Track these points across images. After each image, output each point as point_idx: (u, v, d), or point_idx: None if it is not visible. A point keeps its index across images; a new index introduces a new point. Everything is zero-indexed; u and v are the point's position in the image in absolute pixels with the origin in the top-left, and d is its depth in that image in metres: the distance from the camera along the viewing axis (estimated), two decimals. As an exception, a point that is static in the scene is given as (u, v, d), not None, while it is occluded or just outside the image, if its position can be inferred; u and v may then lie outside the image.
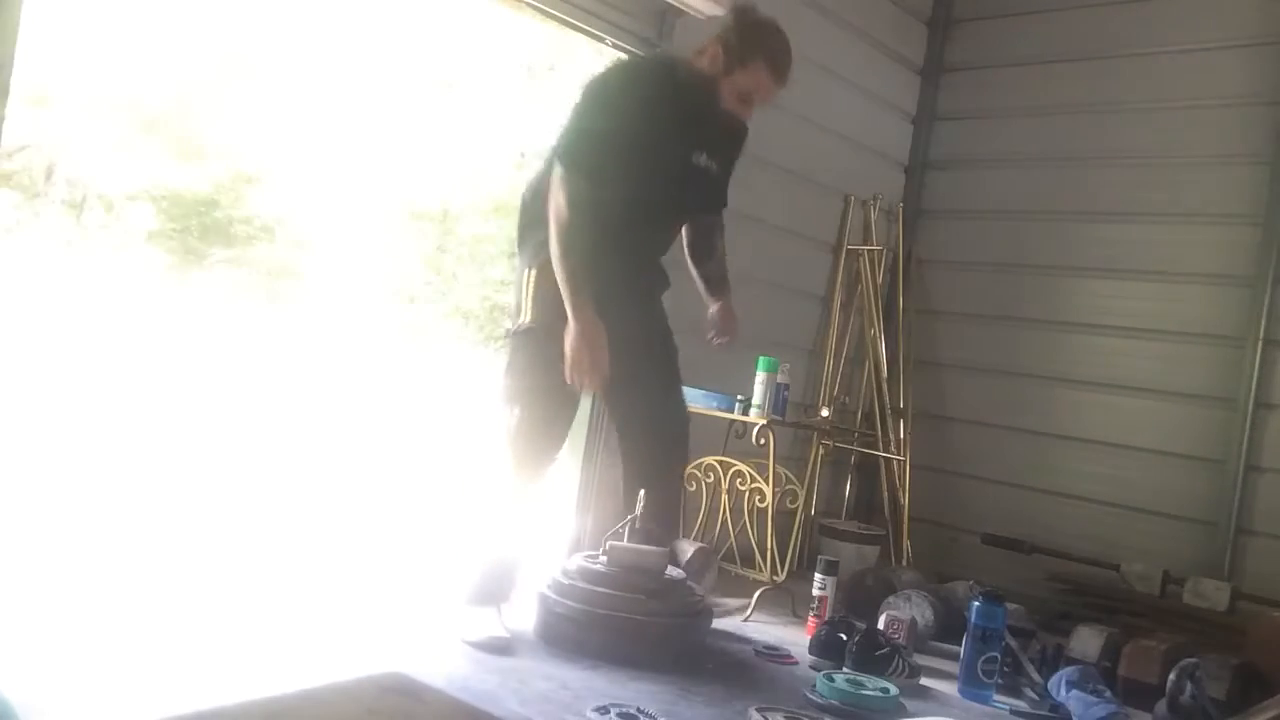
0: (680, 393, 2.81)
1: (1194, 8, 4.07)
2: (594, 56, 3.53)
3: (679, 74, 2.54)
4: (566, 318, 2.42)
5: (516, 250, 2.71)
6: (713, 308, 2.82)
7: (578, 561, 2.54)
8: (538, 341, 2.50)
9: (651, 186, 2.57)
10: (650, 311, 2.75)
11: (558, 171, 2.42)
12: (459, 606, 2.50)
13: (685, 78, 2.53)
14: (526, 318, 2.55)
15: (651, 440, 2.71)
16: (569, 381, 2.43)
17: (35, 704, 1.58)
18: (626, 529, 2.57)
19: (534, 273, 2.54)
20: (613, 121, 2.45)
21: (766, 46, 2.50)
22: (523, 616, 2.56)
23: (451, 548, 2.65)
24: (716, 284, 2.82)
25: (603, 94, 2.49)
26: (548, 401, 2.51)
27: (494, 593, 2.54)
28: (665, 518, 2.72)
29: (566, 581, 2.48)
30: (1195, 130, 4.02)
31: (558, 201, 2.40)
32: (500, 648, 2.35)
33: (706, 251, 2.83)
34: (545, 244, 2.48)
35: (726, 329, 2.81)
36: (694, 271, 2.84)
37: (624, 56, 3.54)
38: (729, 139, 2.72)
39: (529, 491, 2.57)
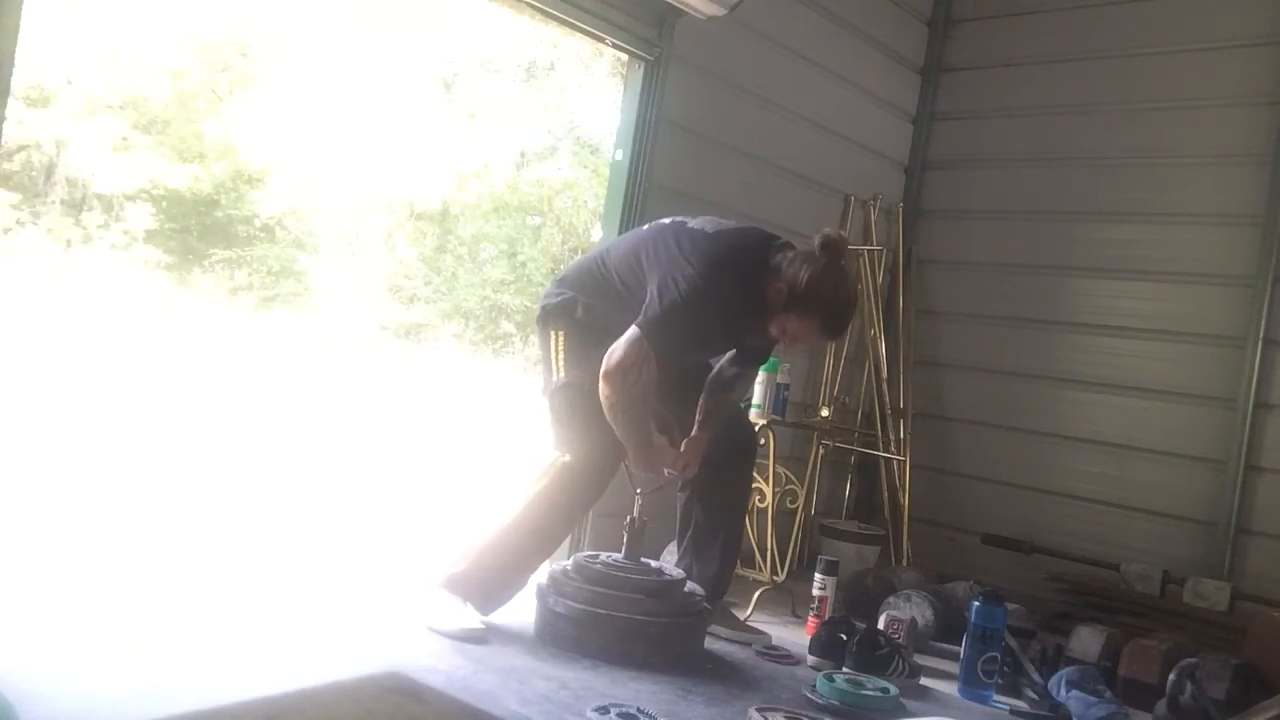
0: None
1: (1194, 8, 4.07)
2: (594, 57, 3.54)
3: (764, 269, 2.52)
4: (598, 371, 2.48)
5: (543, 311, 2.70)
6: (693, 437, 2.72)
7: (577, 561, 2.54)
8: (579, 392, 2.54)
9: (704, 356, 2.74)
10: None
11: (638, 338, 2.42)
12: (432, 587, 2.49)
13: (762, 281, 2.51)
14: (561, 375, 2.60)
15: (721, 448, 2.75)
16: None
17: (35, 704, 1.58)
18: (626, 531, 2.57)
19: (561, 336, 2.62)
20: (703, 314, 2.45)
21: (826, 308, 2.48)
22: (519, 614, 2.56)
23: (448, 545, 2.64)
24: (712, 415, 2.74)
25: (707, 287, 2.44)
26: (597, 447, 2.54)
27: (486, 601, 2.52)
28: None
29: (566, 581, 2.48)
30: (1195, 130, 4.02)
31: (625, 364, 2.41)
32: (475, 638, 2.35)
33: (727, 389, 2.78)
34: (585, 317, 2.59)
35: (691, 466, 2.70)
36: (706, 395, 2.76)
37: (624, 57, 3.55)
38: (757, 336, 2.72)
39: (563, 527, 2.61)
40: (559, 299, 2.64)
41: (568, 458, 2.56)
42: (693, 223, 2.59)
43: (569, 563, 2.56)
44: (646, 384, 2.44)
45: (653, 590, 2.47)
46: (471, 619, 2.42)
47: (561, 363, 2.61)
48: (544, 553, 2.60)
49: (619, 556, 2.56)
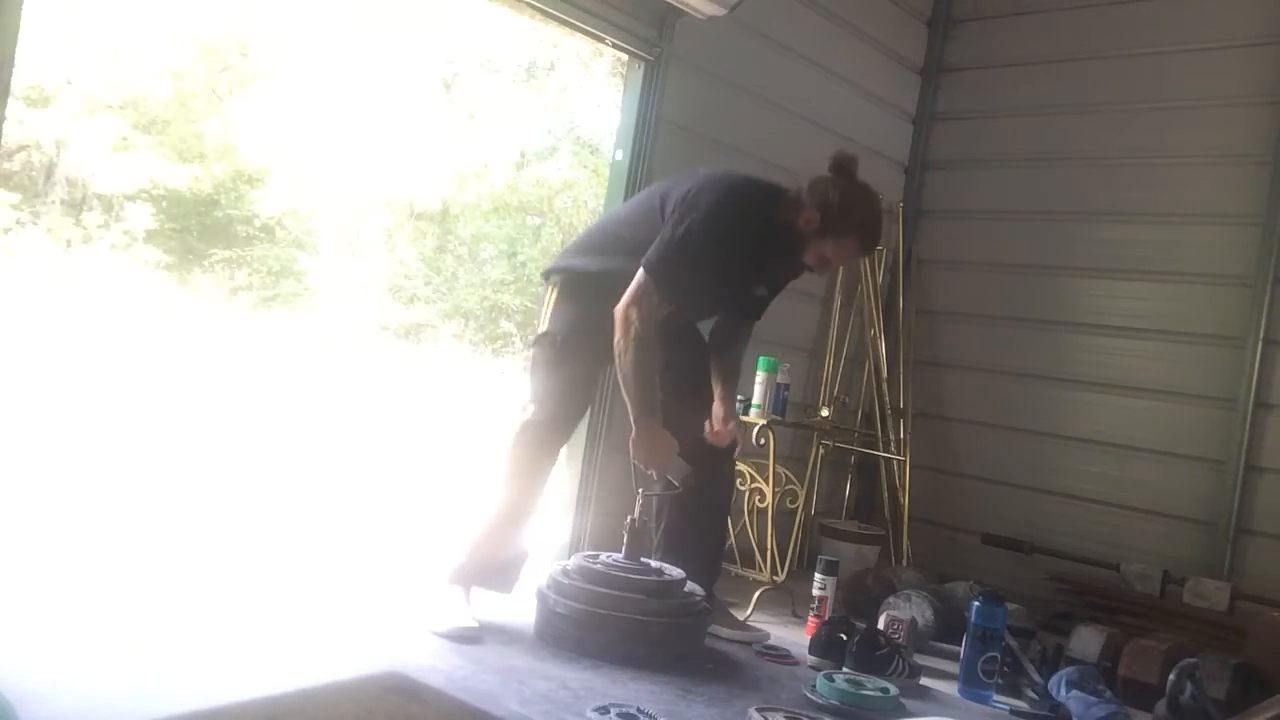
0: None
1: (1194, 8, 4.07)
2: (594, 57, 3.54)
3: (774, 217, 2.57)
4: (582, 330, 2.53)
5: (549, 269, 2.75)
6: (716, 404, 2.78)
7: (577, 561, 2.54)
8: (553, 346, 2.59)
9: (708, 306, 2.74)
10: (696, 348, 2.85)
11: (644, 280, 2.46)
12: (438, 585, 2.51)
13: (778, 224, 2.57)
14: (543, 326, 2.65)
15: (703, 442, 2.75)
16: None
17: (35, 704, 1.58)
18: (626, 531, 2.57)
19: (555, 290, 2.66)
20: (710, 254, 2.48)
21: (863, 224, 2.59)
22: (519, 614, 2.56)
23: (448, 544, 2.64)
24: (726, 378, 2.80)
25: (713, 225, 2.47)
26: (558, 401, 2.58)
27: (493, 580, 2.56)
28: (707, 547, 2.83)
29: (566, 581, 2.48)
30: (1195, 130, 4.02)
31: (635, 312, 2.45)
32: (469, 638, 2.36)
33: (727, 344, 2.84)
34: (581, 270, 2.62)
35: (722, 433, 2.77)
36: (712, 358, 2.83)
37: (624, 57, 3.55)
38: (789, 275, 2.81)
39: (533, 485, 2.59)
40: (564, 257, 2.70)
41: (528, 413, 2.56)
42: (702, 170, 2.62)
43: (569, 563, 2.56)
44: (649, 327, 2.44)
45: (653, 590, 2.47)
46: (465, 618, 2.42)
47: (548, 314, 2.64)
48: (525, 515, 2.60)
49: (619, 557, 2.56)
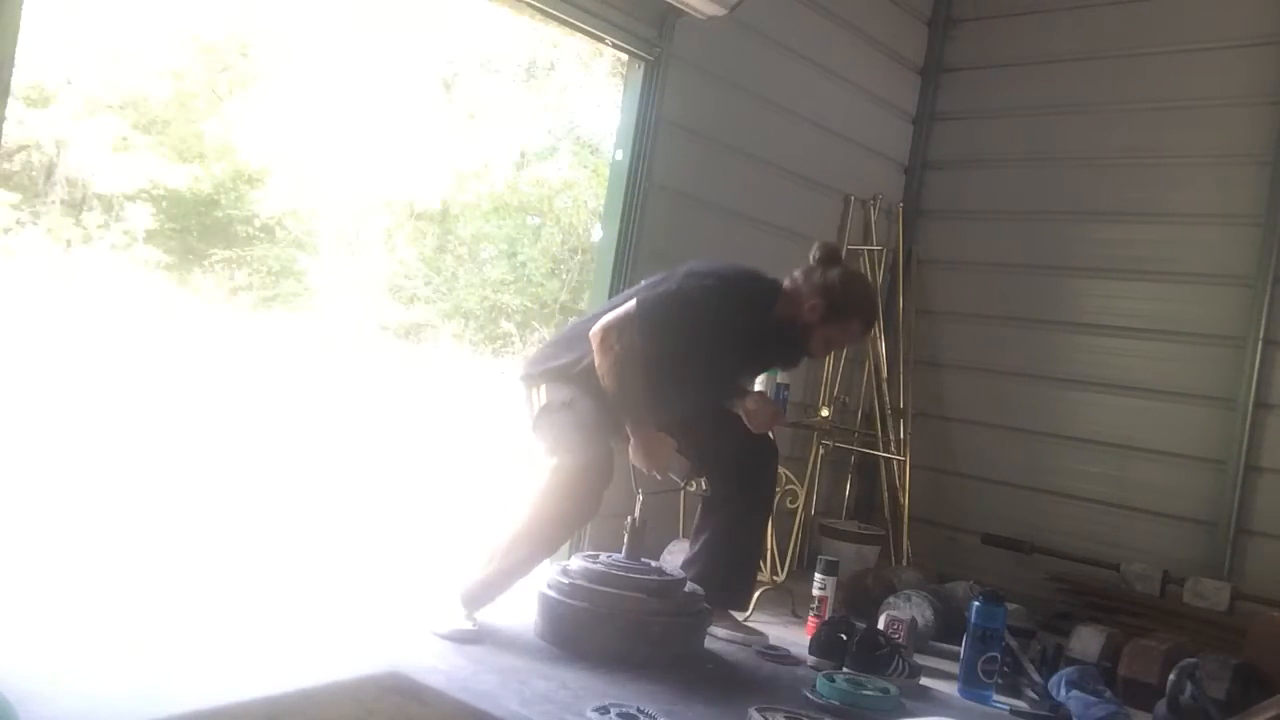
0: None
1: (1194, 8, 4.06)
2: (594, 57, 3.54)
3: (770, 308, 2.65)
4: (582, 399, 2.54)
5: (527, 375, 2.73)
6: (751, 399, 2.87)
7: (578, 562, 2.54)
8: (560, 407, 2.57)
9: (703, 379, 2.72)
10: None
11: (632, 310, 2.51)
12: (449, 598, 2.50)
13: (776, 316, 2.65)
14: (540, 404, 2.63)
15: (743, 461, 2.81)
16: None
17: (35, 704, 1.58)
18: (627, 531, 2.57)
19: (543, 388, 2.64)
20: (705, 320, 2.54)
21: (863, 308, 2.72)
22: (520, 615, 2.56)
23: (451, 546, 2.64)
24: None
25: (714, 293, 2.55)
26: (582, 447, 2.51)
27: (476, 599, 2.53)
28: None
29: (567, 581, 2.48)
30: (1195, 130, 4.02)
31: (615, 337, 2.49)
32: (469, 638, 2.36)
33: None
34: (564, 364, 2.62)
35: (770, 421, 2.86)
36: None
37: (624, 57, 3.55)
38: (783, 363, 2.94)
39: (558, 535, 2.56)
40: (540, 361, 2.69)
41: (558, 460, 2.52)
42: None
43: (569, 562, 2.56)
44: (629, 350, 2.47)
45: (654, 590, 2.47)
46: (463, 620, 2.41)
47: (539, 401, 2.63)
48: (536, 558, 2.55)
49: (619, 557, 2.56)
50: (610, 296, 3.21)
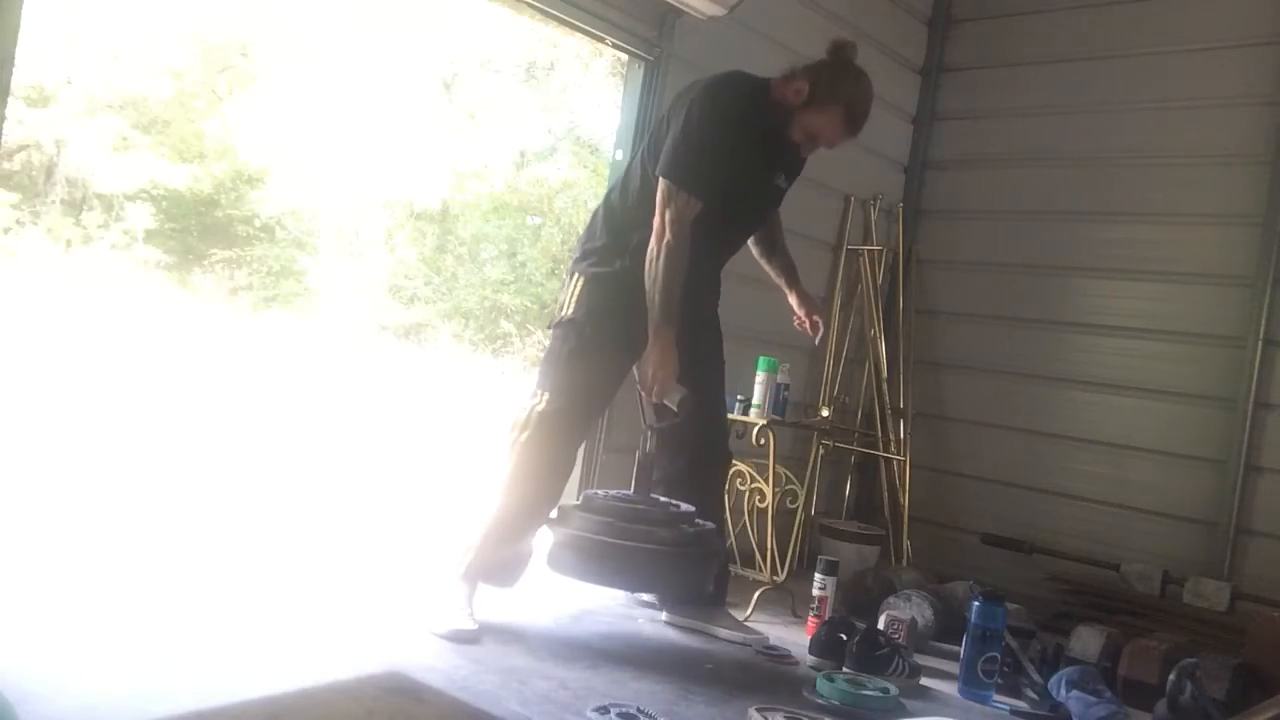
0: (723, 396, 2.92)
1: (1194, 8, 4.06)
2: (594, 57, 3.54)
3: (767, 97, 2.60)
4: (610, 322, 2.50)
5: (575, 259, 2.71)
6: (792, 297, 2.96)
7: (586, 495, 2.55)
8: (579, 334, 2.55)
9: (739, 203, 2.68)
10: (709, 317, 2.85)
11: (665, 186, 2.48)
12: (443, 582, 2.50)
13: (771, 102, 2.59)
14: (568, 311, 2.60)
15: (698, 439, 2.74)
16: (641, 390, 2.54)
17: (36, 704, 1.58)
18: (637, 465, 2.56)
19: (582, 281, 2.62)
20: (718, 139, 2.51)
21: (849, 96, 2.59)
22: (520, 614, 2.56)
23: (448, 545, 2.64)
24: (788, 272, 2.97)
25: (710, 110, 2.52)
26: (579, 393, 2.54)
27: (496, 576, 2.55)
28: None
29: (577, 511, 2.48)
30: (1195, 130, 4.02)
31: (664, 218, 2.46)
32: (468, 639, 2.35)
33: (771, 246, 2.97)
34: (603, 258, 2.58)
35: (815, 318, 2.94)
36: (764, 264, 2.99)
37: (624, 57, 3.55)
38: (798, 163, 2.83)
39: (543, 482, 2.54)
40: (591, 247, 2.65)
41: (543, 403, 2.52)
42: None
43: (578, 499, 2.56)
44: (682, 230, 2.44)
45: (663, 520, 2.47)
46: (464, 620, 2.41)
47: (573, 300, 2.60)
48: (535, 513, 2.55)
49: (627, 493, 2.56)
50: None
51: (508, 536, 2.55)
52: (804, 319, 2.96)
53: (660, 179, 2.49)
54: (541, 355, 2.65)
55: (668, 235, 2.45)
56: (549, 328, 2.66)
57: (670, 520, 2.49)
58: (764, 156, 2.66)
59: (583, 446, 2.97)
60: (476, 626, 2.41)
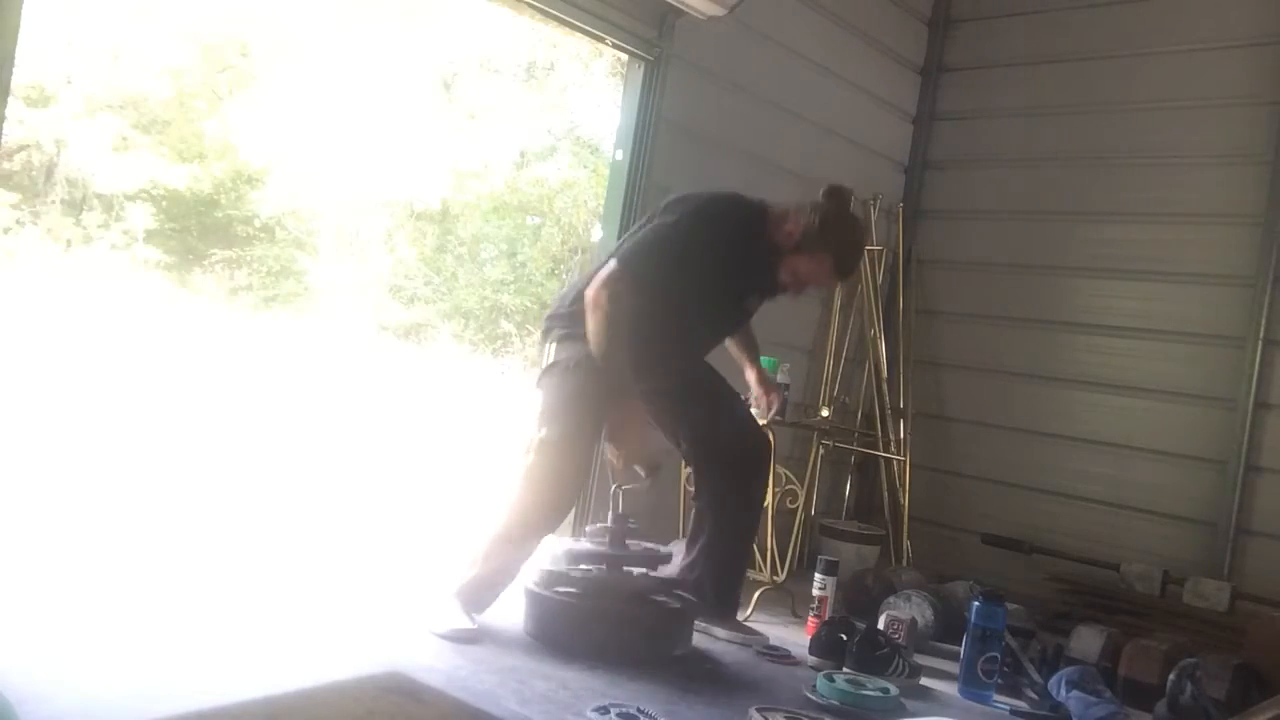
0: (745, 410, 2.92)
1: (1194, 8, 4.07)
2: (594, 57, 3.54)
3: (759, 226, 2.59)
4: (591, 364, 2.50)
5: (549, 320, 2.73)
6: (750, 374, 2.95)
7: (564, 551, 2.54)
8: (564, 369, 2.55)
9: (699, 317, 2.67)
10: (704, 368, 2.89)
11: (615, 268, 2.48)
12: (441, 596, 2.50)
13: (762, 233, 2.59)
14: (551, 359, 2.63)
15: (734, 455, 2.78)
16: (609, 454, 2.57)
17: (35, 704, 1.58)
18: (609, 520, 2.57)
19: (558, 339, 2.65)
20: (689, 252, 2.51)
21: (840, 245, 2.57)
22: (520, 615, 2.55)
23: (449, 545, 2.64)
24: (748, 349, 2.96)
25: (696, 228, 2.52)
26: (571, 415, 2.51)
27: (477, 601, 2.52)
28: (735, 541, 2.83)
29: (554, 573, 2.49)
30: (1195, 130, 4.02)
31: (604, 295, 2.46)
32: (468, 638, 2.35)
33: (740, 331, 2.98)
34: (574, 324, 2.57)
35: (773, 397, 2.95)
36: (731, 341, 2.96)
37: (624, 57, 3.55)
38: (774, 287, 2.76)
39: (546, 509, 2.53)
40: (559, 310, 2.67)
41: (542, 433, 2.51)
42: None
43: (556, 555, 2.56)
44: (619, 310, 2.43)
45: (641, 586, 2.48)
46: (463, 619, 2.41)
47: (552, 353, 2.64)
48: (534, 539, 2.53)
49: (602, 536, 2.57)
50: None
51: (501, 561, 2.52)
52: (761, 397, 2.95)
53: (614, 259, 2.50)
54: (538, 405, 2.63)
55: (605, 310, 2.44)
56: (537, 385, 2.62)
57: (652, 586, 2.51)
58: (739, 281, 2.65)
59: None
60: (476, 626, 2.41)
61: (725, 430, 2.79)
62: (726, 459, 2.77)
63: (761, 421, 2.94)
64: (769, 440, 2.91)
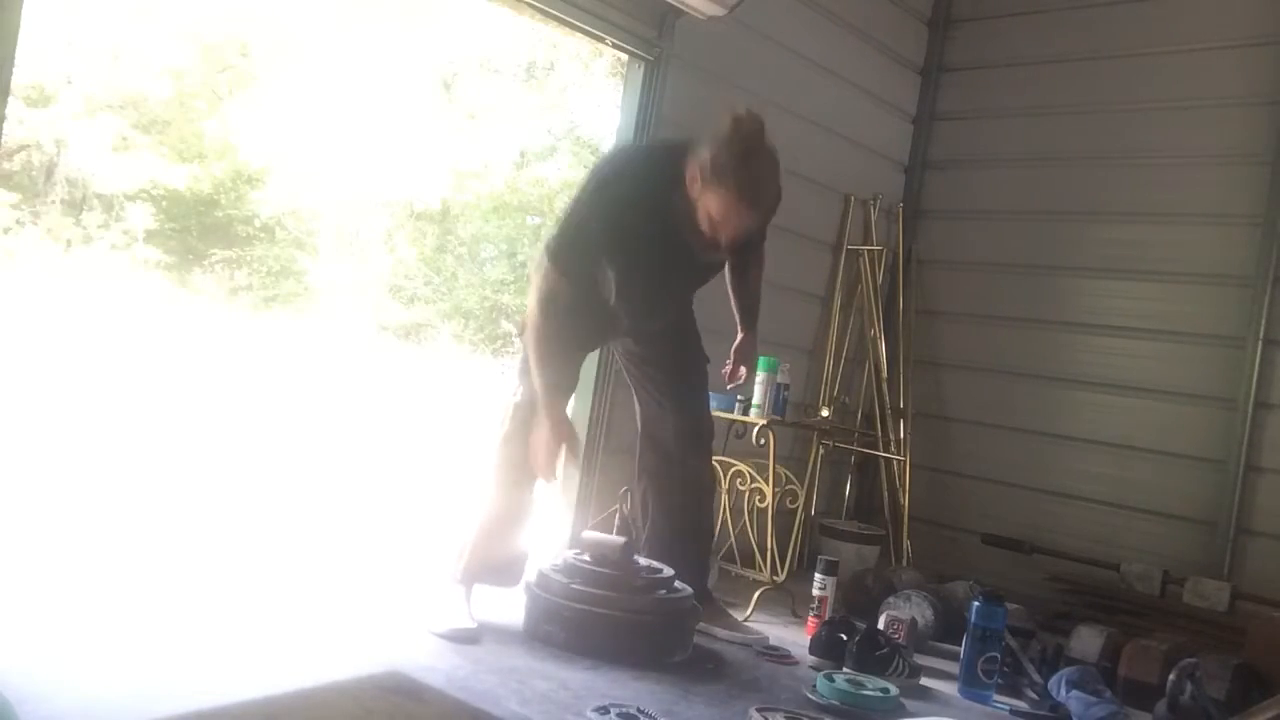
0: (706, 394, 2.85)
1: (1194, 8, 4.06)
2: (594, 57, 3.54)
3: (679, 177, 2.37)
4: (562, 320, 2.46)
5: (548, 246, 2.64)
6: (738, 340, 2.87)
7: (558, 556, 2.55)
8: (543, 315, 2.49)
9: (660, 274, 2.52)
10: (680, 326, 2.78)
11: (540, 259, 2.46)
12: (441, 584, 2.51)
13: (683, 182, 2.37)
14: (535, 291, 2.52)
15: (671, 435, 2.72)
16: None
17: (35, 704, 1.58)
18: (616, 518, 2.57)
19: (545, 268, 2.54)
20: (611, 220, 2.40)
21: (739, 175, 2.28)
22: (520, 614, 2.55)
23: (447, 543, 2.64)
24: (745, 310, 2.86)
25: (604, 187, 2.43)
26: (544, 373, 2.48)
27: (496, 576, 2.55)
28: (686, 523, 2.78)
29: (551, 576, 2.49)
30: (1195, 130, 4.02)
31: (532, 297, 2.46)
32: (467, 638, 2.35)
33: (742, 271, 2.81)
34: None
35: (740, 369, 2.87)
36: (730, 291, 2.85)
37: (624, 57, 3.55)
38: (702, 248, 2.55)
39: (527, 474, 2.51)
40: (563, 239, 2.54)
41: (516, 395, 2.53)
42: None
43: (557, 559, 2.56)
44: (547, 308, 2.41)
45: (637, 586, 2.48)
46: (463, 618, 2.41)
47: (535, 285, 2.55)
48: (522, 508, 2.54)
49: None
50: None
51: (499, 530, 2.56)
52: (729, 363, 2.86)
53: (541, 250, 2.47)
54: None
55: (536, 317, 2.43)
56: (518, 336, 2.64)
57: (647, 586, 2.50)
58: (676, 238, 2.44)
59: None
60: (476, 625, 2.41)
61: (673, 409, 2.72)
62: (659, 440, 2.73)
63: (728, 387, 2.89)
64: (707, 417, 2.83)
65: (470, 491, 2.66)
